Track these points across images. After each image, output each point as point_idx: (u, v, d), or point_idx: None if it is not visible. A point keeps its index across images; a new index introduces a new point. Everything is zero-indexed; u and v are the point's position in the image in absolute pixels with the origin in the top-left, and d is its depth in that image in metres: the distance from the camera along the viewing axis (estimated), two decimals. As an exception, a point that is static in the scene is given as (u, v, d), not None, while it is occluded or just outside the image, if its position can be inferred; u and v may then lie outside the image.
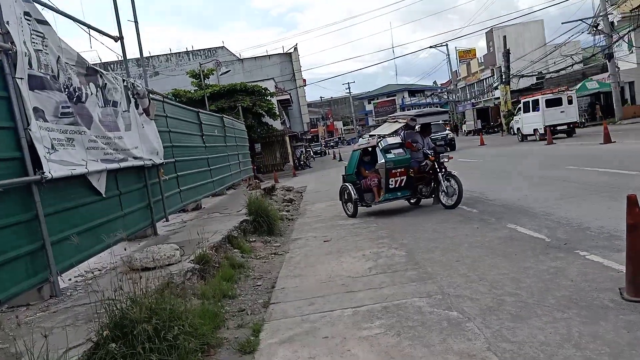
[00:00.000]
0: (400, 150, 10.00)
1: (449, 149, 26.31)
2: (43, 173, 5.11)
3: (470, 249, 6.41)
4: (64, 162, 5.69)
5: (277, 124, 39.37)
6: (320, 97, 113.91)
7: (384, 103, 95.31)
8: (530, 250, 5.94)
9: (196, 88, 36.60)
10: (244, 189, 15.86)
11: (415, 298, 4.83)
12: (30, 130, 5.05)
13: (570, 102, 26.43)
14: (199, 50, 52.40)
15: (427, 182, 10.13)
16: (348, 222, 10.05)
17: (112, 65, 46.56)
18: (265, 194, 15.21)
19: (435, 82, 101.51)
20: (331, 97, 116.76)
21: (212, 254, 6.68)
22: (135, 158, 7.86)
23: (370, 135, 11.58)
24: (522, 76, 44.46)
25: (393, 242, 7.58)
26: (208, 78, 38.27)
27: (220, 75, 36.75)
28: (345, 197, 10.77)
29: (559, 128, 25.94)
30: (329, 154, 62.45)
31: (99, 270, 6.39)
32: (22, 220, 4.91)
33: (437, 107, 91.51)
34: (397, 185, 10.03)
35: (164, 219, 9.24)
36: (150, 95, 9.07)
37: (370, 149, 10.67)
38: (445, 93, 78.95)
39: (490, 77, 61.42)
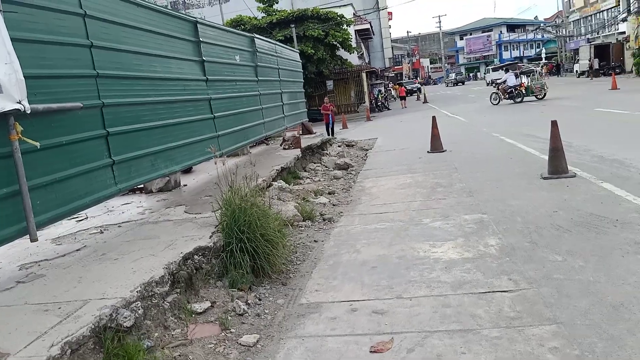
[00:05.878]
0: None
1: None
2: None
3: None
4: None
5: (353, 58, 33.44)
6: (407, 32, 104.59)
7: (478, 39, 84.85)
8: None
9: (263, 14, 31.31)
10: (279, 146, 10.62)
11: None
12: None
13: None
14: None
15: None
16: (441, 250, 4.60)
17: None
18: (305, 155, 9.93)
19: (536, 17, 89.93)
20: (419, 33, 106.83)
21: None
22: None
23: None
24: (663, 3, 35.05)
25: None
26: (277, 2, 32.71)
27: None
28: None
29: None
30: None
31: None
32: None
33: (539, 44, 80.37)
34: None
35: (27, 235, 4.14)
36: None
37: None
38: (553, 27, 68.11)
39: (614, 7, 50.58)
